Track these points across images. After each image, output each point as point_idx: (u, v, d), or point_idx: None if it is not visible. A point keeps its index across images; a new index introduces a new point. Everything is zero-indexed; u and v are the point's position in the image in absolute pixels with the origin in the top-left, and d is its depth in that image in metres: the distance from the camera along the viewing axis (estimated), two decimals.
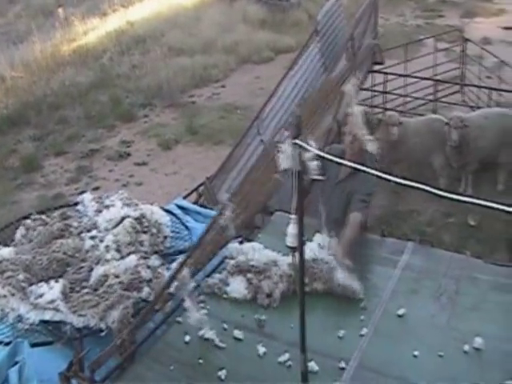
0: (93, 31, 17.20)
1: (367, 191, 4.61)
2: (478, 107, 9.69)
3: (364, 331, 3.48)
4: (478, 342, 3.45)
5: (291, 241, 2.58)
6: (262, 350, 3.40)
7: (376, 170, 2.35)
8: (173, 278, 3.46)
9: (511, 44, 14.60)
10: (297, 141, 2.43)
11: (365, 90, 10.01)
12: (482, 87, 10.41)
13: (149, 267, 3.87)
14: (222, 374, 3.26)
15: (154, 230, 4.22)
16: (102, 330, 3.47)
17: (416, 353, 3.34)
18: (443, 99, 10.78)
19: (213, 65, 14.57)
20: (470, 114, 8.63)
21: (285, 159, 2.48)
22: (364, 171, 2.38)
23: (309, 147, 2.45)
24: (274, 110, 7.34)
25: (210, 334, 3.49)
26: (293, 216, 2.57)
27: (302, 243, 2.62)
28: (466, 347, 3.43)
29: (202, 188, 6.17)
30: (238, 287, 3.90)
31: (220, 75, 14.28)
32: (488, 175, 8.71)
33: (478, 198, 2.04)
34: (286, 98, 7.58)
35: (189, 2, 18.96)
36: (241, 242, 4.35)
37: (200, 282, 3.96)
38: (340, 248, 4.10)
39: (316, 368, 3.21)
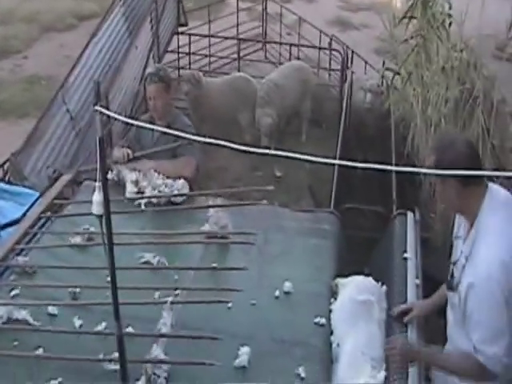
0: None
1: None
2: (280, 63, 10.10)
3: (177, 292, 3.51)
4: (288, 285, 3.69)
5: (97, 209, 2.51)
6: (78, 322, 3.37)
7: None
8: None
9: (309, 1, 15.23)
10: (97, 107, 2.34)
11: (170, 52, 10.00)
12: (283, 43, 10.82)
13: None
14: (40, 352, 3.19)
15: None
16: None
17: (230, 305, 3.45)
18: (247, 57, 11.07)
19: (13, 35, 13.71)
20: (270, 75, 8.97)
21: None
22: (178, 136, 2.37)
23: (111, 114, 2.38)
24: (78, 79, 7.12)
25: (22, 314, 3.39)
26: (97, 183, 2.48)
27: (108, 210, 2.53)
28: (277, 292, 3.65)
29: (7, 164, 5.90)
30: None
31: (21, 46, 13.50)
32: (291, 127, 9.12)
33: (282, 150, 2.12)
34: (90, 65, 7.38)
35: None
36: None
37: (10, 261, 3.84)
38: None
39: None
